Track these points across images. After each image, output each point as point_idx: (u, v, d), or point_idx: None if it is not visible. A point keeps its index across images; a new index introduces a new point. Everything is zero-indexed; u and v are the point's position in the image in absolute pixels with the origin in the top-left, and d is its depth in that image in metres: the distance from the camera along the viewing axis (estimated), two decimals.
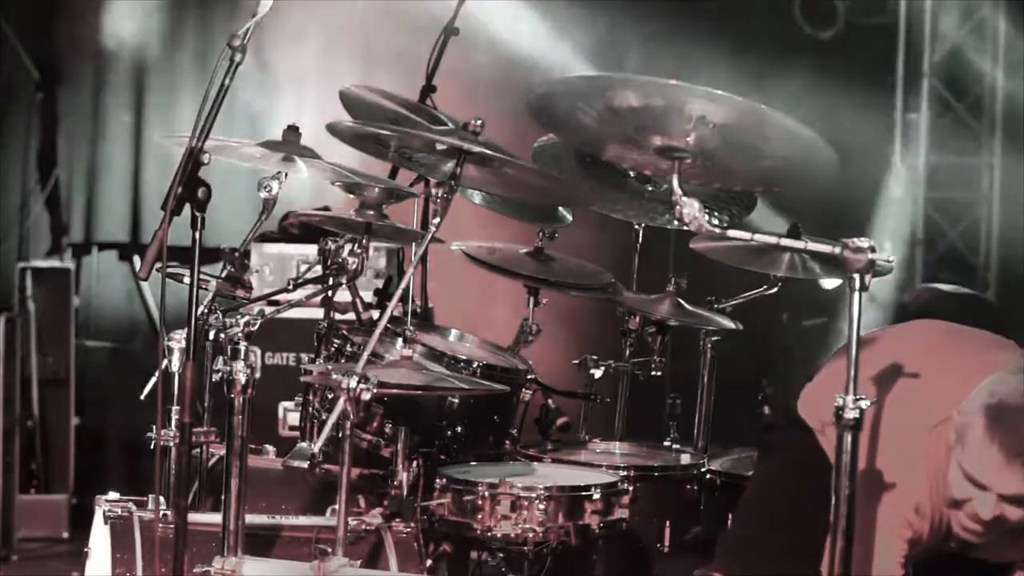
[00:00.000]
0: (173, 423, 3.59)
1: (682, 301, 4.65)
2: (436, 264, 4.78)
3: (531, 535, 3.94)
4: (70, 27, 6.98)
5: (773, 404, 4.84)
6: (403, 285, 3.42)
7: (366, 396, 3.14)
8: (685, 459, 4.49)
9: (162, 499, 3.59)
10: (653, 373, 4.64)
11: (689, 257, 4.45)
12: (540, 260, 4.63)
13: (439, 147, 3.57)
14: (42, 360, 6.63)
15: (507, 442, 4.33)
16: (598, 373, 4.61)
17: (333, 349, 4.13)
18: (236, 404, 3.28)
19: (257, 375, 3.30)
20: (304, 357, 4.80)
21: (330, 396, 4.04)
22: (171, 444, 3.54)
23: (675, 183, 2.97)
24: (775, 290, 4.54)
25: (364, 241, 3.87)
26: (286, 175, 3.68)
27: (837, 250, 2.83)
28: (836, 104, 6.73)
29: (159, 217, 3.10)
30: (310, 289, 4.01)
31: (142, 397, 3.85)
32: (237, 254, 3.80)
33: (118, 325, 7.06)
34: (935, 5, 7.54)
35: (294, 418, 4.63)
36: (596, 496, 4.03)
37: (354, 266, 3.88)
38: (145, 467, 3.71)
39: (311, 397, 4.14)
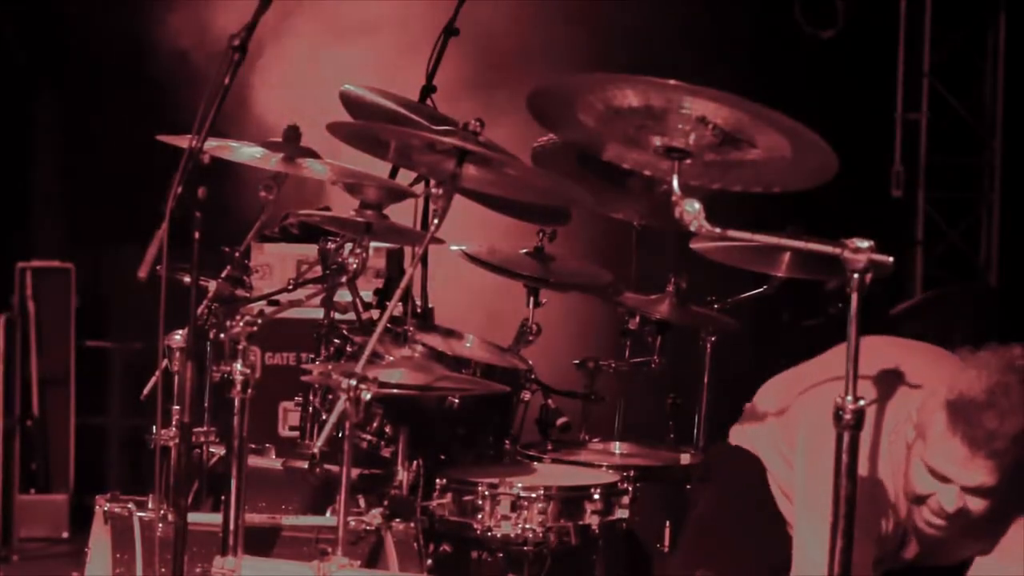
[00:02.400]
0: (173, 423, 3.59)
1: (682, 301, 4.65)
2: (436, 264, 4.78)
3: (531, 535, 3.95)
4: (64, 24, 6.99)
5: None
6: (403, 285, 3.42)
7: (366, 396, 3.14)
8: (685, 459, 4.49)
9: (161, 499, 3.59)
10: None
11: (689, 257, 4.45)
12: (540, 260, 4.64)
13: (439, 147, 3.57)
14: (42, 360, 6.63)
15: (507, 442, 4.34)
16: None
17: (333, 349, 4.13)
18: (236, 404, 3.28)
19: (257, 375, 3.30)
20: (304, 357, 4.80)
21: (330, 397, 4.05)
22: (171, 444, 3.54)
23: (675, 183, 2.98)
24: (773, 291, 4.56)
25: (364, 241, 3.87)
26: (286, 175, 3.68)
27: (837, 250, 2.83)
28: (836, 104, 6.73)
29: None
30: (310, 289, 4.01)
31: (142, 397, 3.85)
32: (237, 254, 3.80)
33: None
34: (935, 5, 7.54)
35: (294, 418, 4.62)
36: (596, 496, 4.03)
37: (354, 266, 3.88)
38: (145, 467, 3.71)
39: (311, 397, 4.14)
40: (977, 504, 3.11)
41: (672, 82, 2.86)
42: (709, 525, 3.69)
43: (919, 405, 3.16)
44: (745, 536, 3.51)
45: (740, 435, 3.77)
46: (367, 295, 4.55)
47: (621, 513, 4.10)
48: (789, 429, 3.53)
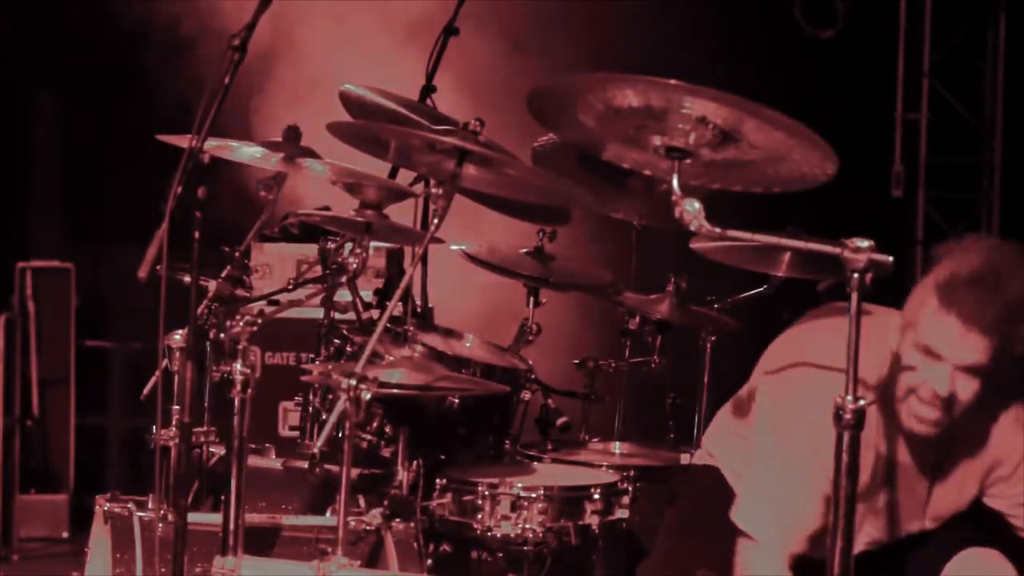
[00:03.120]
0: (173, 423, 3.59)
1: (682, 301, 4.65)
2: (436, 264, 4.78)
3: (531, 535, 3.95)
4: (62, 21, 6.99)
5: None
6: (403, 285, 3.42)
7: (366, 396, 3.14)
8: (685, 459, 4.49)
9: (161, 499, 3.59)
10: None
11: (689, 257, 4.45)
12: (540, 260, 4.64)
13: (439, 147, 3.56)
14: (42, 360, 6.63)
15: (507, 442, 4.34)
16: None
17: (333, 349, 4.13)
18: (236, 404, 3.28)
19: (257, 375, 3.29)
20: (304, 357, 4.80)
21: (330, 397, 4.04)
22: (171, 444, 3.54)
23: (675, 183, 2.98)
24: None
25: (364, 241, 3.87)
26: (286, 175, 3.68)
27: (837, 250, 2.83)
28: (836, 104, 6.72)
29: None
30: (310, 289, 4.01)
31: (142, 397, 3.84)
32: (237, 254, 3.80)
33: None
34: (935, 5, 7.53)
35: (294, 418, 4.62)
36: (596, 496, 4.03)
37: (354, 266, 3.88)
38: (145, 467, 3.71)
39: (311, 397, 4.14)
40: (966, 391, 3.18)
41: (672, 82, 2.86)
42: (682, 535, 3.69)
43: (905, 305, 3.26)
44: (713, 546, 3.52)
45: (702, 455, 3.82)
46: (367, 295, 4.55)
47: (621, 513, 4.10)
48: (751, 404, 3.56)
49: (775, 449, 3.36)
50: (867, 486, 3.34)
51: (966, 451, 3.43)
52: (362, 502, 4.04)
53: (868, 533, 3.45)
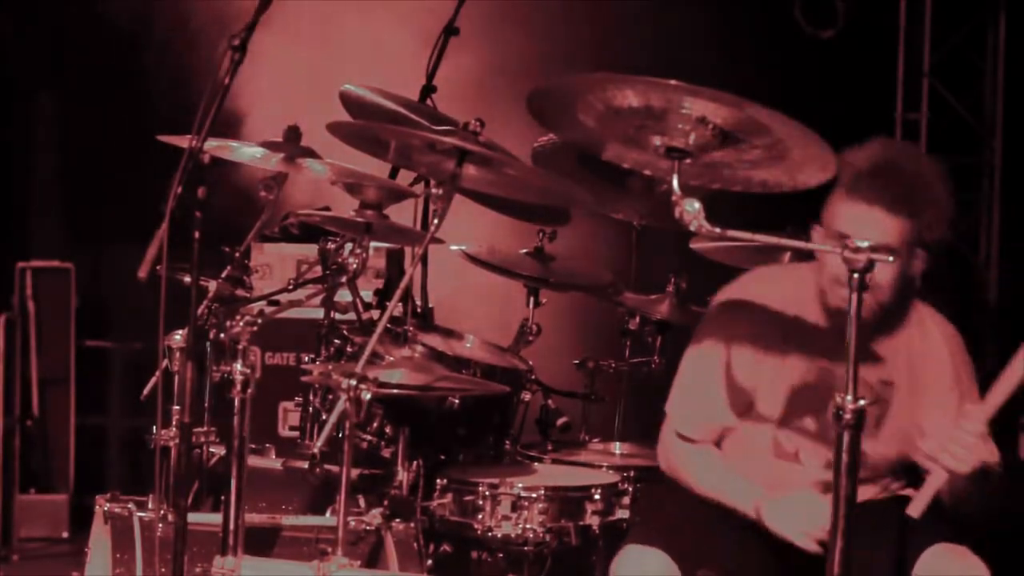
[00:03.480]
0: (173, 423, 3.59)
1: (682, 301, 4.65)
2: (436, 264, 4.78)
3: (531, 535, 3.95)
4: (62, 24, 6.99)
5: None
6: (403, 285, 3.42)
7: (366, 396, 3.14)
8: None
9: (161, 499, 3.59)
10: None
11: (689, 257, 4.46)
12: (540, 260, 4.64)
13: (439, 147, 3.56)
14: (42, 360, 6.63)
15: (507, 442, 4.34)
16: None
17: (333, 349, 4.13)
18: (236, 404, 3.28)
19: (257, 375, 3.29)
20: (304, 357, 4.81)
21: (330, 397, 4.04)
22: (171, 444, 3.54)
23: (675, 183, 2.98)
24: None
25: (364, 241, 3.87)
26: (286, 175, 3.68)
27: (837, 250, 2.84)
28: (836, 104, 6.72)
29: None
30: (310, 289, 4.01)
31: (142, 397, 3.84)
32: (237, 254, 3.80)
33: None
34: (935, 5, 7.53)
35: (294, 418, 4.62)
36: (596, 496, 4.03)
37: (354, 266, 3.88)
38: (145, 467, 3.71)
39: (311, 397, 4.14)
40: (884, 273, 3.31)
41: (672, 82, 2.87)
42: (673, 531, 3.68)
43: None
44: (705, 544, 3.52)
45: None
46: (367, 295, 4.55)
47: (622, 513, 4.10)
48: None
49: (694, 341, 3.62)
50: (819, 399, 3.41)
51: (897, 352, 3.54)
52: (362, 502, 4.04)
53: (823, 455, 3.48)
